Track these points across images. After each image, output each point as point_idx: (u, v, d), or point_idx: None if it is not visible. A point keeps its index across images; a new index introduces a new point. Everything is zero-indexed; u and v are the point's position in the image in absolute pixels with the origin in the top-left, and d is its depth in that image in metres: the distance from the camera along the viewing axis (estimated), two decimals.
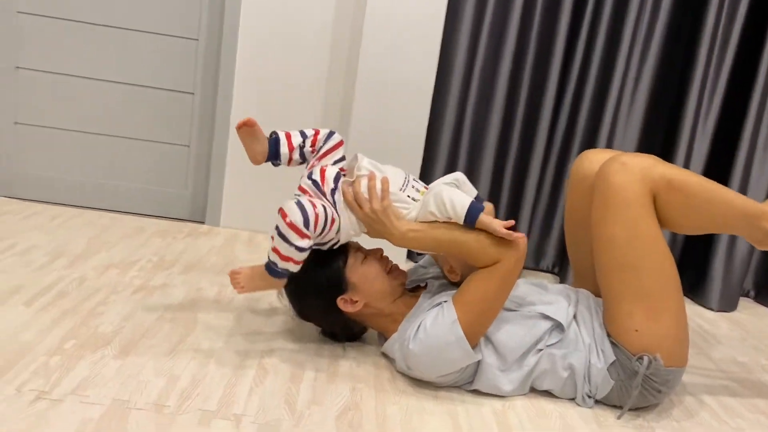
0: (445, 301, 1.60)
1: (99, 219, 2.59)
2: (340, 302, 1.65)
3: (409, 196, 1.62)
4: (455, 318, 1.54)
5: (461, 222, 1.55)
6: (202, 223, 2.73)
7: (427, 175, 2.58)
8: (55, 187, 2.71)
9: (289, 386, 1.54)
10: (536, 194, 2.67)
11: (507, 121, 2.59)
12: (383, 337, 1.75)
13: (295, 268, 1.57)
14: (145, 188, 2.73)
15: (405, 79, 2.46)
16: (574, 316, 1.69)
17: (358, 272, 1.66)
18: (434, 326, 1.56)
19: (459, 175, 1.71)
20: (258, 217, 2.71)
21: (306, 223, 1.51)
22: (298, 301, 1.73)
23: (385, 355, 1.74)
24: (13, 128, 2.65)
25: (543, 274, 2.77)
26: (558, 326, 1.64)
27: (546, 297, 1.72)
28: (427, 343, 1.56)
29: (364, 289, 1.66)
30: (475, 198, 1.68)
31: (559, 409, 1.63)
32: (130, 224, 2.58)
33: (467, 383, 1.64)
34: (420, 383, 1.64)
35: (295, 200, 1.54)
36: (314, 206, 1.54)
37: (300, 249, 1.53)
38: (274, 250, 1.54)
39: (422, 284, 1.84)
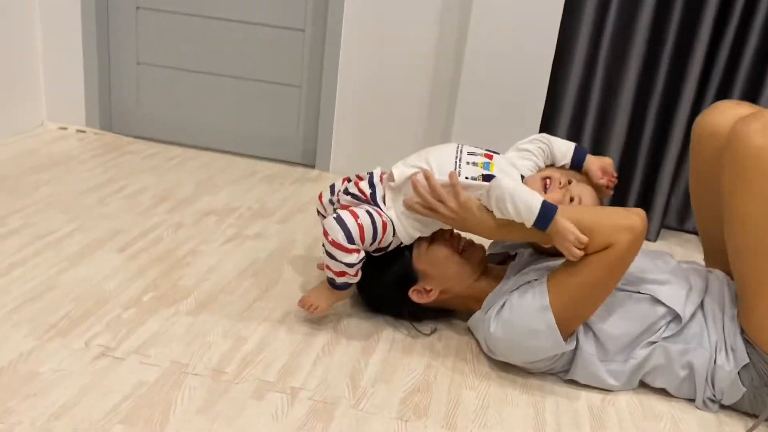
0: (536, 279, 1.38)
1: (215, 161, 2.60)
2: (414, 294, 1.49)
3: (467, 177, 1.40)
4: (547, 303, 1.32)
5: (529, 226, 1.31)
6: (313, 167, 2.65)
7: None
8: (177, 128, 2.75)
9: (359, 358, 1.43)
10: (682, 147, 2.27)
11: (644, 83, 2.21)
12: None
13: (354, 279, 1.46)
14: (260, 130, 2.70)
15: (520, 47, 2.18)
16: (701, 306, 1.40)
17: (426, 259, 1.49)
18: (521, 308, 1.35)
19: (542, 137, 1.45)
20: (368, 163, 2.57)
21: (350, 239, 1.39)
22: (371, 300, 1.60)
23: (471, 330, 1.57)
24: (136, 68, 2.71)
25: (687, 235, 2.40)
26: (675, 316, 1.37)
27: (662, 275, 1.43)
28: (511, 326, 1.36)
29: (436, 276, 1.48)
30: (575, 149, 1.42)
31: (673, 412, 1.37)
32: (243, 168, 2.56)
33: (563, 371, 1.43)
34: (507, 366, 1.45)
35: (334, 215, 1.41)
36: (356, 217, 1.40)
37: (350, 264, 1.42)
38: (327, 267, 1.44)
39: (512, 253, 1.62)
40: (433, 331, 1.55)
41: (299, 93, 2.62)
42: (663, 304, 1.37)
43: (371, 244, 1.44)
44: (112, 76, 2.74)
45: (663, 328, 1.37)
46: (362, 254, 1.43)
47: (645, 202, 2.31)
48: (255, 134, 2.71)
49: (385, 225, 1.43)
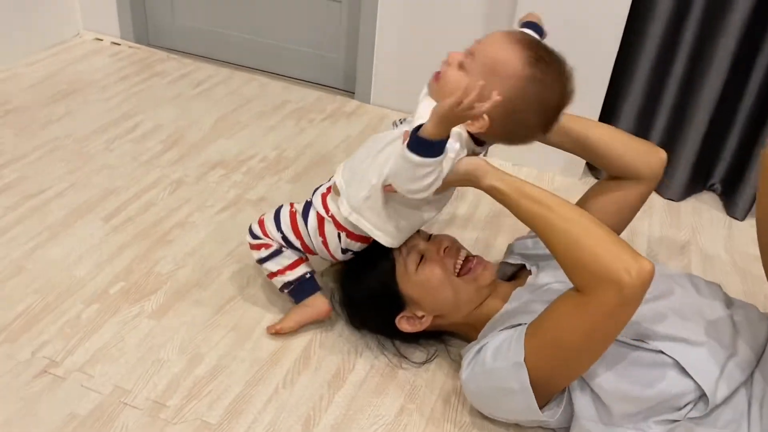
0: (521, 327, 1.11)
1: (246, 85, 2.36)
2: (401, 323, 1.26)
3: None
4: (522, 359, 1.06)
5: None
6: (353, 95, 2.35)
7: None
8: (213, 43, 2.51)
9: (323, 393, 1.25)
10: None
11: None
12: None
13: (287, 276, 1.30)
14: (299, 49, 2.41)
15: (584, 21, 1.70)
16: (746, 384, 1.08)
17: (414, 282, 1.23)
18: (497, 358, 1.10)
19: None
20: (414, 94, 2.25)
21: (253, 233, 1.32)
22: (352, 318, 1.38)
23: None
24: None
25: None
26: (704, 393, 1.07)
27: (698, 330, 1.11)
28: (482, 378, 1.13)
29: (427, 303, 1.23)
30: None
31: None
32: (274, 96, 2.31)
33: (561, 430, 1.19)
34: (497, 421, 1.22)
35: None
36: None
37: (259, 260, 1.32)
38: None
39: (528, 267, 1.33)
40: (426, 362, 1.33)
41: (339, 9, 2.28)
42: (689, 376, 1.07)
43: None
44: None
45: (690, 406, 1.08)
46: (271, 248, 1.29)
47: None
48: (294, 54, 2.43)
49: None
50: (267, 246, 1.29)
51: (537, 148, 1.99)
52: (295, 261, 1.31)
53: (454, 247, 1.29)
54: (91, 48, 2.53)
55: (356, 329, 1.38)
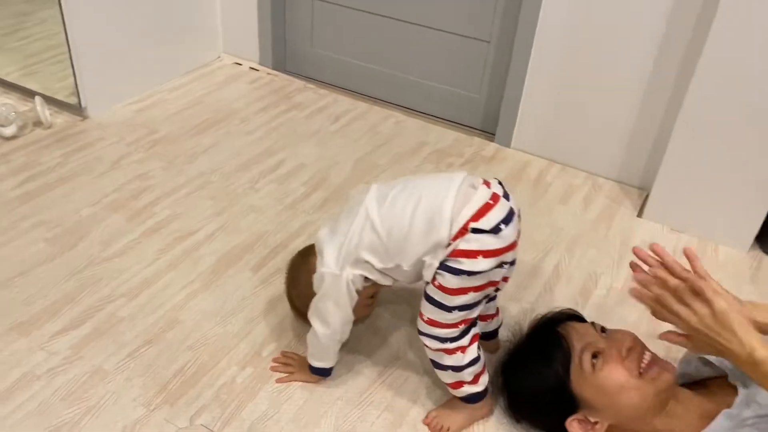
0: None
1: (384, 122, 2.32)
2: (572, 426, 1.16)
3: None
4: None
5: None
6: (493, 136, 2.26)
7: None
8: (351, 74, 2.48)
9: None
10: None
11: None
12: None
13: (476, 388, 1.21)
14: (439, 87, 2.34)
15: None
16: None
17: (591, 384, 1.13)
18: None
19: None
20: (559, 141, 2.14)
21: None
22: (514, 411, 1.29)
23: None
24: (312, 5, 2.43)
25: None
26: None
27: None
28: None
29: (604, 407, 1.13)
30: None
31: None
32: (413, 135, 2.25)
33: None
34: None
35: None
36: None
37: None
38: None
39: (732, 380, 1.19)
40: None
41: (487, 49, 2.20)
42: None
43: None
44: (287, 11, 2.50)
45: None
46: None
47: None
48: (433, 91, 2.36)
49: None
50: (463, 349, 1.19)
51: (700, 210, 1.84)
52: (483, 367, 1.24)
53: (638, 346, 1.17)
54: (230, 72, 2.55)
55: (515, 421, 1.29)
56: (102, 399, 1.28)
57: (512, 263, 1.17)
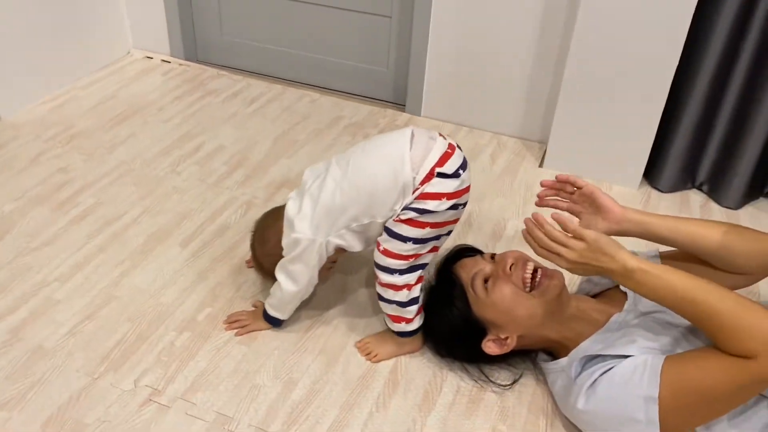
0: (652, 359, 1.13)
1: (299, 101, 2.41)
2: (488, 346, 1.29)
3: None
4: (656, 395, 1.09)
5: None
6: (403, 107, 2.39)
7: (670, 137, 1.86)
8: (262, 59, 2.56)
9: (415, 416, 1.29)
10: None
11: None
12: (548, 354, 1.37)
13: (411, 326, 1.34)
14: (348, 64, 2.45)
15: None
16: None
17: (487, 305, 1.27)
18: (622, 388, 1.12)
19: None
20: (464, 106, 2.29)
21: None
22: (438, 349, 1.42)
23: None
24: None
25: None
26: None
27: None
28: (604, 405, 1.15)
29: (506, 323, 1.27)
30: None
31: None
32: (327, 111, 2.35)
33: None
34: None
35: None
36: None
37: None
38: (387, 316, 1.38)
39: (623, 289, 1.35)
40: (515, 382, 1.37)
41: (389, 24, 2.32)
42: None
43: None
44: (193, 1, 2.55)
45: None
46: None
47: None
48: (343, 68, 2.47)
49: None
50: (409, 287, 1.30)
51: (592, 155, 2.02)
52: (421, 308, 1.36)
53: (520, 261, 1.30)
54: (142, 66, 2.58)
55: (441, 357, 1.42)
56: (45, 374, 1.33)
57: (464, 205, 1.31)
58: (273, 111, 2.34)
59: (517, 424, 1.29)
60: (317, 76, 2.52)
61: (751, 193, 1.98)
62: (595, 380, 1.16)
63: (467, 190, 1.28)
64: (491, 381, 1.36)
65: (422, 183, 1.23)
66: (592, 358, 1.21)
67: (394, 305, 1.33)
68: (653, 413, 1.09)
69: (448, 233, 1.35)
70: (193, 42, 2.64)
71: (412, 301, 1.32)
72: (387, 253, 1.28)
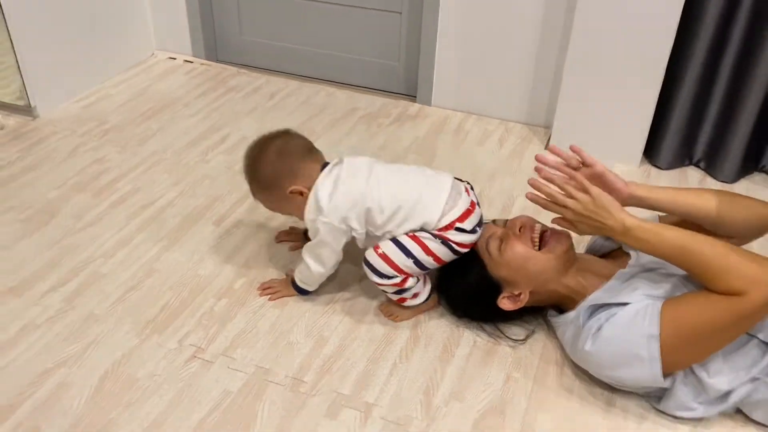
0: (652, 303, 1.25)
1: (316, 95, 2.54)
2: (503, 302, 1.42)
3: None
4: (657, 333, 1.21)
5: None
6: (415, 98, 2.52)
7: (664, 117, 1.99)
8: (280, 56, 2.70)
9: (436, 366, 1.42)
10: None
11: None
12: (559, 309, 1.49)
13: (417, 301, 1.49)
14: (362, 59, 2.58)
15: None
16: None
17: (501, 264, 1.39)
18: (627, 329, 1.25)
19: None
20: (472, 95, 2.42)
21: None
22: (456, 309, 1.55)
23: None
24: None
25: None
26: None
27: None
28: (609, 345, 1.27)
29: (520, 279, 1.39)
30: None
31: None
32: (343, 103, 2.49)
33: (653, 398, 1.34)
34: (591, 381, 1.39)
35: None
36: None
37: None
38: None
39: (626, 249, 1.47)
40: (528, 337, 1.49)
41: (399, 20, 2.45)
42: None
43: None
44: (213, 3, 2.70)
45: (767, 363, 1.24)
46: (406, 284, 1.45)
47: None
48: (356, 63, 2.60)
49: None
50: (401, 284, 1.43)
51: (596, 136, 2.14)
52: (424, 285, 1.49)
53: (528, 224, 1.44)
54: (166, 66, 2.73)
55: (459, 318, 1.54)
56: (99, 336, 1.47)
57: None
58: (291, 104, 2.48)
59: (530, 371, 1.41)
60: (332, 72, 2.66)
61: (746, 168, 2.10)
62: (601, 325, 1.29)
63: (476, 242, 1.45)
64: (506, 336, 1.48)
65: (440, 230, 1.39)
66: (599, 307, 1.33)
67: (392, 294, 1.47)
68: (655, 350, 1.21)
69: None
70: (214, 43, 2.79)
71: (411, 287, 1.45)
72: (384, 257, 1.40)
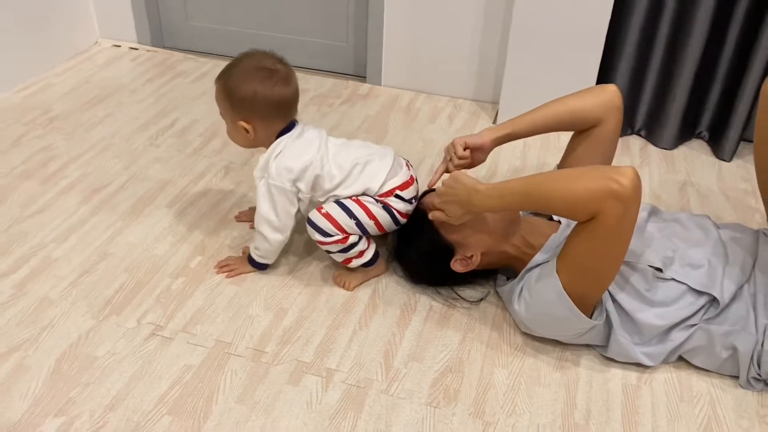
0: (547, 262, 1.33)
1: None
2: (456, 266, 1.46)
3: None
4: (560, 288, 1.27)
5: None
6: (365, 78, 2.55)
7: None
8: (227, 41, 2.68)
9: (395, 331, 1.45)
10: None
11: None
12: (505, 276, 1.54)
13: (362, 260, 1.53)
14: (310, 41, 2.59)
15: None
16: (749, 282, 1.31)
17: (453, 227, 1.43)
18: (538, 294, 1.33)
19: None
20: (422, 74, 2.45)
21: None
22: (411, 275, 1.58)
23: None
24: None
25: None
26: (714, 298, 1.30)
27: (697, 255, 1.34)
28: (532, 306, 1.35)
29: (471, 241, 1.44)
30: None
31: (713, 391, 1.34)
32: None
33: (600, 347, 1.41)
34: (544, 339, 1.44)
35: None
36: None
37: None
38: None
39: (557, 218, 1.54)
40: (482, 299, 1.54)
41: (347, 1, 2.47)
42: (703, 293, 1.30)
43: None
44: None
45: (703, 311, 1.31)
46: (348, 242, 1.49)
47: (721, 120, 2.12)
48: (305, 45, 2.61)
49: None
50: (343, 240, 1.47)
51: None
52: (368, 244, 1.52)
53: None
54: (111, 54, 2.68)
55: (414, 284, 1.58)
56: (54, 319, 1.45)
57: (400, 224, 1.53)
58: None
59: (484, 332, 1.46)
60: (281, 54, 2.65)
61: (684, 135, 2.19)
62: (518, 294, 1.37)
63: (409, 214, 1.51)
64: (461, 297, 1.53)
65: (381, 196, 1.46)
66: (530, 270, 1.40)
67: (337, 253, 1.50)
68: (569, 304, 1.27)
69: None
70: (159, 29, 2.75)
71: (354, 245, 1.49)
72: (328, 216, 1.45)
